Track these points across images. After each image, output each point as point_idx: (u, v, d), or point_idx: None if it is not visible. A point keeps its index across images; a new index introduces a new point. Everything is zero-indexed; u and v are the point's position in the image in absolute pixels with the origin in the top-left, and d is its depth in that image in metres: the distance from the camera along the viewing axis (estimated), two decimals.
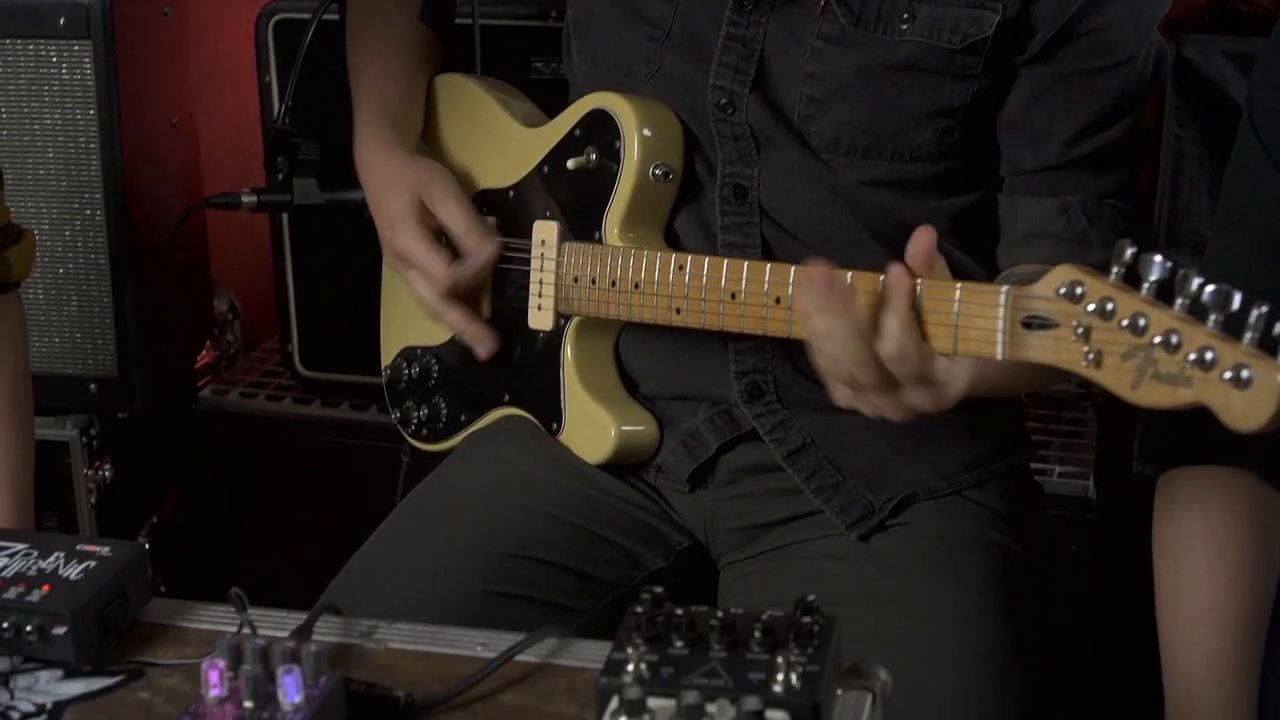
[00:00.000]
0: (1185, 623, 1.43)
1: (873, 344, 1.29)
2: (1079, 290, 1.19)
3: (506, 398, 1.70)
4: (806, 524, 1.60)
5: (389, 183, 1.66)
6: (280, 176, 2.24)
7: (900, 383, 1.31)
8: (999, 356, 1.25)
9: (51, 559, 1.19)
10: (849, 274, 1.32)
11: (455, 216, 1.63)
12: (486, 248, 1.62)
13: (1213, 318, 1.11)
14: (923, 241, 1.30)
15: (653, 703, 0.98)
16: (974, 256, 1.55)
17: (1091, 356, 1.19)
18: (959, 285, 1.28)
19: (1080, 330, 1.19)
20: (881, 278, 1.29)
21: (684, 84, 1.56)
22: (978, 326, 1.26)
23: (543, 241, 1.63)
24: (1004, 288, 1.25)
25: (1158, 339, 1.14)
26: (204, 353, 2.60)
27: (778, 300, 1.42)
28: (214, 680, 1.02)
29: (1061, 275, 1.20)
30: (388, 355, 1.84)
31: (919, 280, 1.29)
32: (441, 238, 1.64)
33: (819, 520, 1.59)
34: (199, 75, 2.52)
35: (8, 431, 1.65)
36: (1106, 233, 1.50)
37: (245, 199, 2.25)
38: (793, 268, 1.41)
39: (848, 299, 1.29)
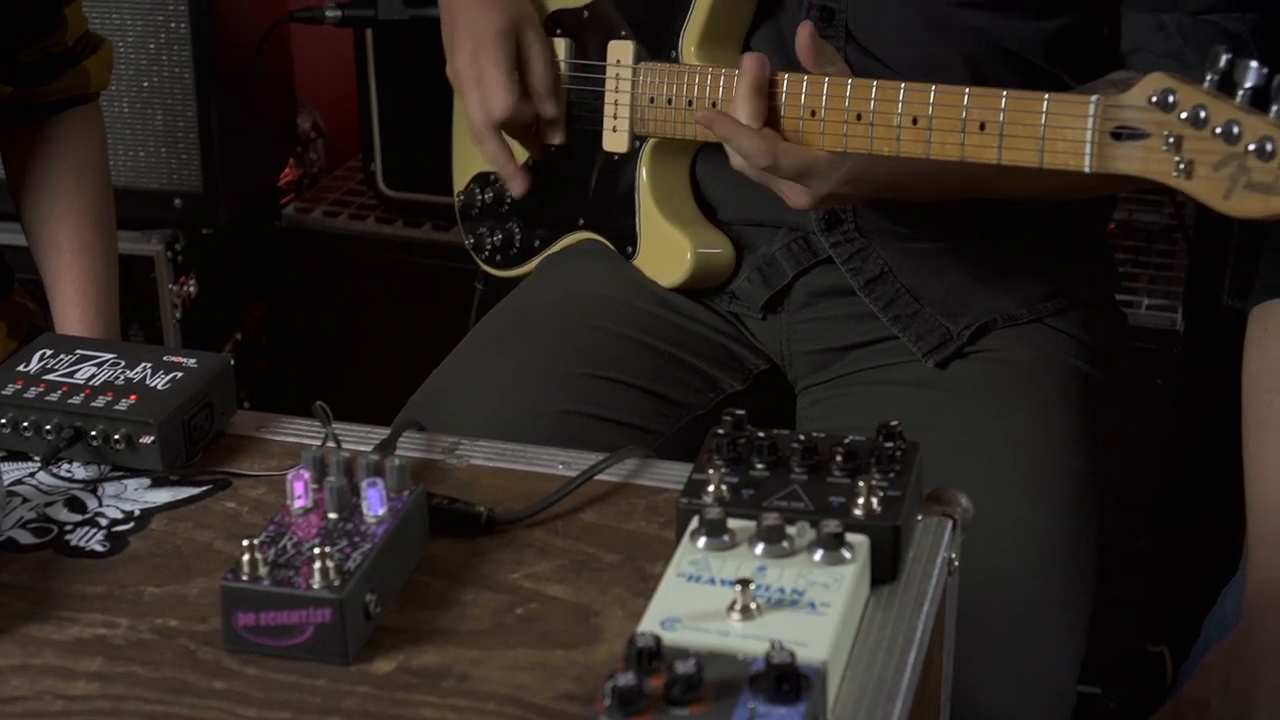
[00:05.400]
0: (1273, 453, 1.42)
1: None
2: (1171, 98, 1.16)
3: (581, 221, 1.69)
4: (883, 349, 1.60)
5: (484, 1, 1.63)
6: None
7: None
8: (1087, 169, 1.22)
9: (139, 369, 1.20)
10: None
11: (537, 61, 1.62)
12: (549, 108, 1.64)
13: None
14: (802, 35, 1.35)
15: (733, 524, 0.98)
16: (1078, 80, 1.50)
17: (1183, 167, 1.16)
18: (1047, 96, 1.25)
19: (1171, 140, 1.16)
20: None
21: None
22: (1066, 139, 1.24)
23: (618, 61, 1.60)
24: (1093, 97, 1.22)
25: (1251, 146, 1.11)
26: (287, 171, 2.60)
27: (859, 117, 1.38)
28: (299, 491, 1.02)
29: (1153, 84, 1.18)
30: (460, 180, 1.82)
31: (1005, 94, 1.27)
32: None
33: (896, 346, 1.58)
34: None
35: (92, 243, 1.65)
36: (1203, 52, 1.45)
37: (330, 13, 2.24)
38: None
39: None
